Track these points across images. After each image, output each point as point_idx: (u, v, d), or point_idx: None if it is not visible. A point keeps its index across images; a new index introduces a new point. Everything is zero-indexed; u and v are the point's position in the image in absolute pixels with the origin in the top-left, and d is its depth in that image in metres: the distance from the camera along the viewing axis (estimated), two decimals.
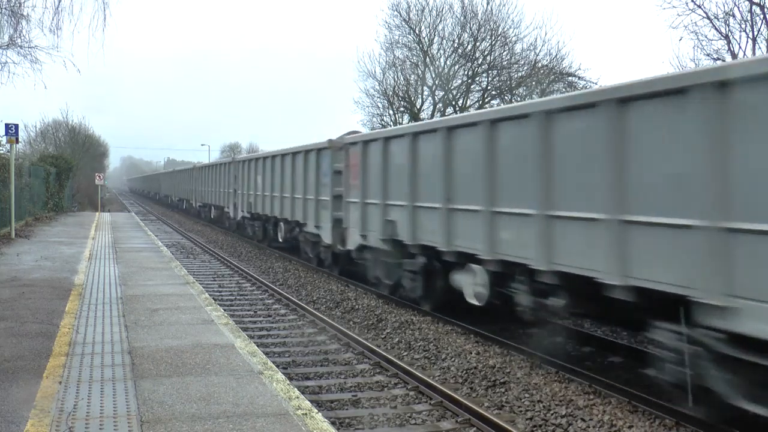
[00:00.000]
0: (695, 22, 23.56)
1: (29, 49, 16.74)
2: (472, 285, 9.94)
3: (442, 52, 31.07)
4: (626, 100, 6.84)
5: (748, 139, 5.60)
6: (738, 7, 19.90)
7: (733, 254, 5.66)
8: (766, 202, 5.43)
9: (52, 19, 14.91)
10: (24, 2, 15.92)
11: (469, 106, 29.91)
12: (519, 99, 28.22)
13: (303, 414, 5.10)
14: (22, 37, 16.38)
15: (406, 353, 9.41)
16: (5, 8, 15.85)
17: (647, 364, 7.28)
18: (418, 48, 31.23)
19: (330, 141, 16.03)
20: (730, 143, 5.73)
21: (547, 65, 28.88)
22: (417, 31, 30.96)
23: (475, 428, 6.53)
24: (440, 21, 30.74)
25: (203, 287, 12.18)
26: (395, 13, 31.06)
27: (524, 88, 29.08)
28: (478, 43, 29.81)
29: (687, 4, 20.39)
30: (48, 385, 5.61)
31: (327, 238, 16.06)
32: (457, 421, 6.71)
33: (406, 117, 31.26)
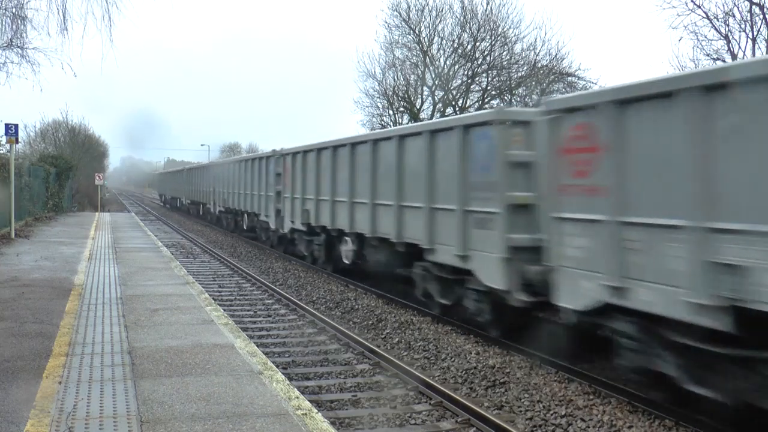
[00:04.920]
0: (695, 22, 23.51)
1: (28, 51, 16.75)
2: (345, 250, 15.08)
3: (441, 52, 31.10)
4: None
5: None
6: (738, 7, 19.93)
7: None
8: None
9: (60, 23, 14.93)
10: (26, 3, 15.93)
11: (469, 106, 29.91)
12: (519, 99, 28.24)
13: (303, 414, 5.10)
14: (22, 39, 16.39)
15: (405, 353, 9.41)
16: (6, 9, 15.85)
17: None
18: (417, 48, 31.23)
19: (273, 151, 21.11)
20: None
21: (546, 65, 28.87)
22: (417, 31, 30.96)
23: (474, 428, 6.53)
24: (440, 21, 30.76)
25: (203, 287, 12.18)
26: (395, 13, 31.08)
27: (524, 88, 29.09)
28: (477, 43, 29.81)
29: (687, 4, 20.42)
30: (48, 385, 5.61)
31: (272, 224, 21.31)
32: (456, 421, 6.71)
33: (405, 117, 31.26)
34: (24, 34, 16.27)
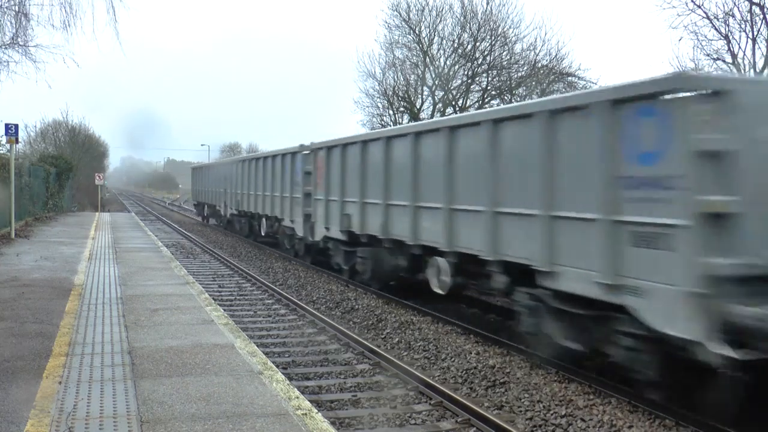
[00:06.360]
0: (695, 22, 23.48)
1: (30, 48, 16.73)
2: (262, 226, 23.64)
3: (442, 52, 31.05)
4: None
5: None
6: (738, 7, 19.92)
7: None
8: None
9: (63, 19, 14.91)
10: (27, 1, 15.91)
11: (469, 106, 29.88)
12: (519, 99, 28.20)
13: (303, 414, 5.10)
14: (24, 37, 16.38)
15: (405, 353, 9.41)
16: (7, 7, 15.83)
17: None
18: (417, 48, 31.20)
19: (219, 159, 28.44)
20: None
21: (546, 65, 28.86)
22: (417, 31, 30.93)
23: (475, 428, 6.53)
24: (440, 21, 30.71)
25: (203, 287, 12.18)
26: (395, 13, 31.03)
27: (524, 88, 29.05)
28: (478, 43, 29.78)
29: (687, 4, 20.41)
30: (48, 385, 5.61)
31: (222, 211, 30.13)
32: (456, 421, 6.71)
33: (405, 117, 31.25)
34: (26, 32, 16.26)
